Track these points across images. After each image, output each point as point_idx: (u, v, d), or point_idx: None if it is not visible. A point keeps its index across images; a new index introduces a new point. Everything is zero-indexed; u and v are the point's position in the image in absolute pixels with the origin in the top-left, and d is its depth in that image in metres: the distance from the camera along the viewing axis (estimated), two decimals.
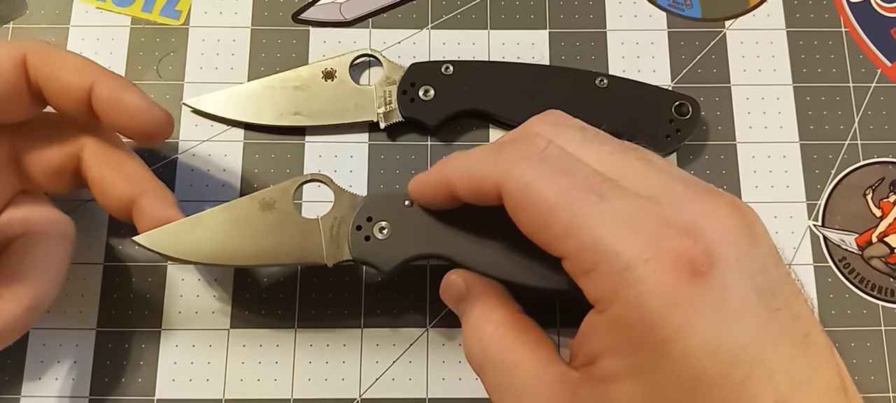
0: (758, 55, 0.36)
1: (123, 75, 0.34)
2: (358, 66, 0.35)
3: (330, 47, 0.35)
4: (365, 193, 0.30)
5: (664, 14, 0.36)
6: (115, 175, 0.28)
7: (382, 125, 0.34)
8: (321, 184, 0.29)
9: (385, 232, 0.27)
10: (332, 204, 0.28)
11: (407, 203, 0.27)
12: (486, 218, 0.26)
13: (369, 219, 0.27)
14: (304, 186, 0.29)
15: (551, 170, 0.22)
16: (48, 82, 0.27)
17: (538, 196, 0.22)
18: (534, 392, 0.23)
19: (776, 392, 0.19)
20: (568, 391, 0.22)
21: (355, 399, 0.31)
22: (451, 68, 0.34)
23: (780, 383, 0.19)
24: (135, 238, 0.28)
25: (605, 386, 0.21)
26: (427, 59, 0.35)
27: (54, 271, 0.28)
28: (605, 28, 0.36)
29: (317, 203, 0.32)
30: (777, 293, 0.20)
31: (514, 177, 0.22)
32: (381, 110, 0.33)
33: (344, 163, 0.34)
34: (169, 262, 0.32)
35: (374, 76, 0.35)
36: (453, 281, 0.26)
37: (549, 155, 0.22)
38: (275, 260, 0.28)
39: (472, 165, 0.24)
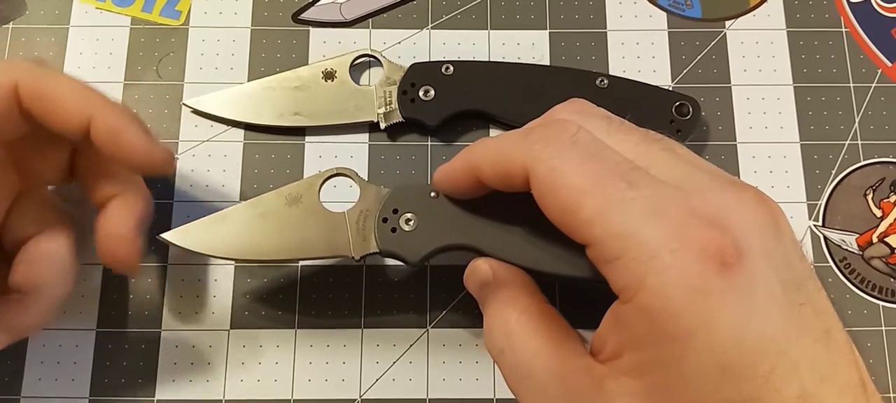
0: (758, 55, 0.36)
1: (123, 76, 0.35)
2: (358, 67, 0.35)
3: (330, 47, 0.35)
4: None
5: (664, 14, 0.36)
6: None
7: (382, 125, 0.33)
8: (347, 178, 0.29)
9: (411, 223, 0.27)
10: (357, 197, 0.28)
11: (433, 194, 0.27)
12: (512, 208, 0.26)
13: (395, 211, 0.28)
14: (330, 180, 0.29)
15: (580, 155, 0.22)
16: (44, 115, 0.26)
17: (566, 180, 0.21)
18: (558, 382, 0.22)
19: (800, 386, 0.19)
20: (593, 384, 0.22)
21: (355, 399, 0.31)
22: (452, 68, 0.34)
23: (804, 376, 0.19)
24: (161, 235, 0.28)
25: (632, 380, 0.21)
26: (427, 60, 0.35)
27: (70, 265, 0.28)
28: (606, 28, 0.36)
29: (342, 197, 0.31)
30: (801, 287, 0.20)
31: (542, 160, 0.22)
32: (382, 110, 0.33)
33: (344, 164, 0.34)
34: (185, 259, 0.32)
35: (374, 76, 0.35)
36: (479, 266, 0.26)
37: (579, 140, 0.22)
38: (302, 254, 0.28)
39: (500, 149, 0.24)
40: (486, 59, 0.35)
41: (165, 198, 0.33)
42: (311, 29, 0.36)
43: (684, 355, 0.19)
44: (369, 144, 0.34)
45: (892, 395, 0.31)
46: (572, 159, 0.22)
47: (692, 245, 0.20)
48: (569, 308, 0.31)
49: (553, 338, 0.23)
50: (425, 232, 0.27)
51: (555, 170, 0.22)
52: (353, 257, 0.28)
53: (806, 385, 0.19)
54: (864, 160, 0.34)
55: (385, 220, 0.28)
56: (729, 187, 0.21)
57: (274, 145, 0.34)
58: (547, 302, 0.25)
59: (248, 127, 0.34)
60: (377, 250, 0.28)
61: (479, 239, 0.27)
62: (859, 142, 0.34)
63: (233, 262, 0.32)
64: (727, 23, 0.36)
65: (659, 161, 0.22)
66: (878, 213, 0.34)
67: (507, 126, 0.34)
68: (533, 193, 0.23)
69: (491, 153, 0.24)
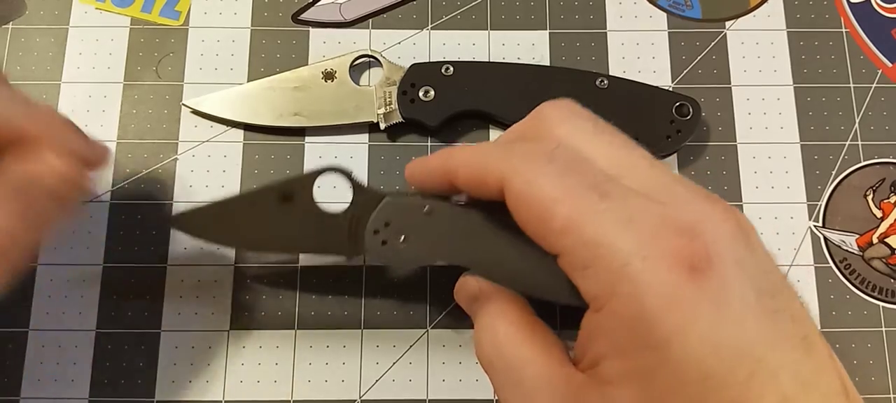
0: (758, 56, 0.36)
1: (123, 76, 0.35)
2: (358, 67, 0.35)
3: (330, 48, 0.35)
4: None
5: (664, 14, 0.36)
6: None
7: (382, 126, 0.33)
8: (339, 175, 0.29)
9: (402, 238, 0.27)
10: (350, 196, 0.28)
11: (425, 210, 0.27)
12: (502, 228, 0.26)
13: (387, 224, 0.27)
14: (328, 179, 0.29)
15: (557, 170, 0.22)
16: None
17: (540, 192, 0.22)
18: (544, 391, 0.23)
19: (781, 393, 0.19)
20: (573, 393, 0.22)
21: (355, 400, 0.31)
22: (451, 69, 0.34)
23: (785, 383, 0.19)
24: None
25: (612, 389, 0.21)
26: (427, 60, 0.35)
27: None
28: (606, 28, 0.36)
29: (340, 191, 0.31)
30: (777, 295, 0.20)
31: (519, 173, 0.22)
32: (381, 111, 0.33)
33: (344, 164, 0.34)
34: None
35: (373, 77, 0.35)
36: (468, 281, 0.27)
37: (556, 157, 0.22)
38: (294, 251, 0.28)
39: (479, 157, 0.24)
40: (486, 60, 0.35)
41: (165, 198, 0.33)
42: (310, 29, 0.36)
43: (663, 364, 0.19)
44: (369, 145, 0.34)
45: (892, 396, 0.31)
46: (548, 173, 0.22)
47: (663, 252, 0.20)
48: (568, 315, 0.31)
49: (542, 348, 0.24)
50: (415, 249, 0.27)
51: (530, 183, 0.22)
52: (344, 257, 0.28)
53: (786, 391, 0.19)
54: (864, 160, 0.34)
55: (376, 232, 0.27)
56: (702, 200, 0.22)
57: (274, 146, 0.34)
58: (534, 314, 0.26)
59: (248, 127, 0.34)
60: (367, 258, 0.27)
61: (470, 260, 0.26)
62: (859, 142, 0.34)
63: (231, 248, 0.32)
64: (727, 23, 0.36)
65: (638, 169, 0.22)
66: (879, 214, 0.34)
67: (507, 127, 0.34)
68: (507, 204, 0.23)
69: (470, 159, 0.25)
